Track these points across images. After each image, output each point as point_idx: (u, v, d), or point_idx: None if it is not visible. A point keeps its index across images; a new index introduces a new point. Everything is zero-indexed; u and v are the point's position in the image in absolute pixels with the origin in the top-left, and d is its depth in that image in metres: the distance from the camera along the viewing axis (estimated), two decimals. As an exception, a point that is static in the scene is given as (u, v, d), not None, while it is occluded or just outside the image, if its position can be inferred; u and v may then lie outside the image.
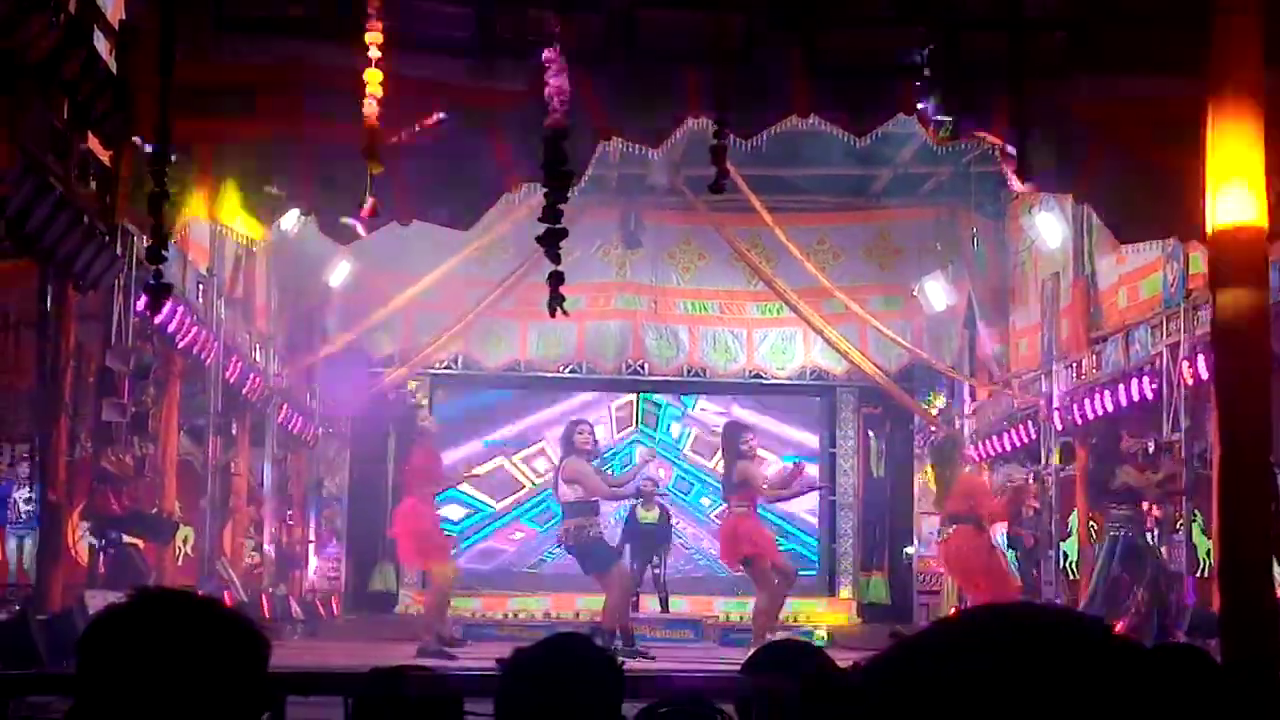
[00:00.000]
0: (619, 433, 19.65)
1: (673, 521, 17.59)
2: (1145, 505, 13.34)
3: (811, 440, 19.80)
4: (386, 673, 4.14)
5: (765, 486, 13.51)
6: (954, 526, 14.15)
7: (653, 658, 12.09)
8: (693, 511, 19.29)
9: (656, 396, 19.71)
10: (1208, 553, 12.82)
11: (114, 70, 8.26)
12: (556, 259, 6.30)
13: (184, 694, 1.88)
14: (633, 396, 19.64)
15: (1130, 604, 12.68)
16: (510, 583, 18.62)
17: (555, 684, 2.69)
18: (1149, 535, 13.30)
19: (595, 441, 13.38)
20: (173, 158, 6.61)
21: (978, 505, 14.10)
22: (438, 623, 13.06)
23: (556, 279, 6.31)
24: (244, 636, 1.97)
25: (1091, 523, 15.29)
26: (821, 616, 18.34)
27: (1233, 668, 5.39)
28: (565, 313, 6.55)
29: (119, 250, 9.37)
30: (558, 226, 6.25)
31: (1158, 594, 12.66)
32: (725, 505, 13.69)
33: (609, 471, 14.89)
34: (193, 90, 7.57)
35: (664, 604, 16.87)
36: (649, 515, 17.17)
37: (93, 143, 8.58)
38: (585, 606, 17.40)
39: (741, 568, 13.29)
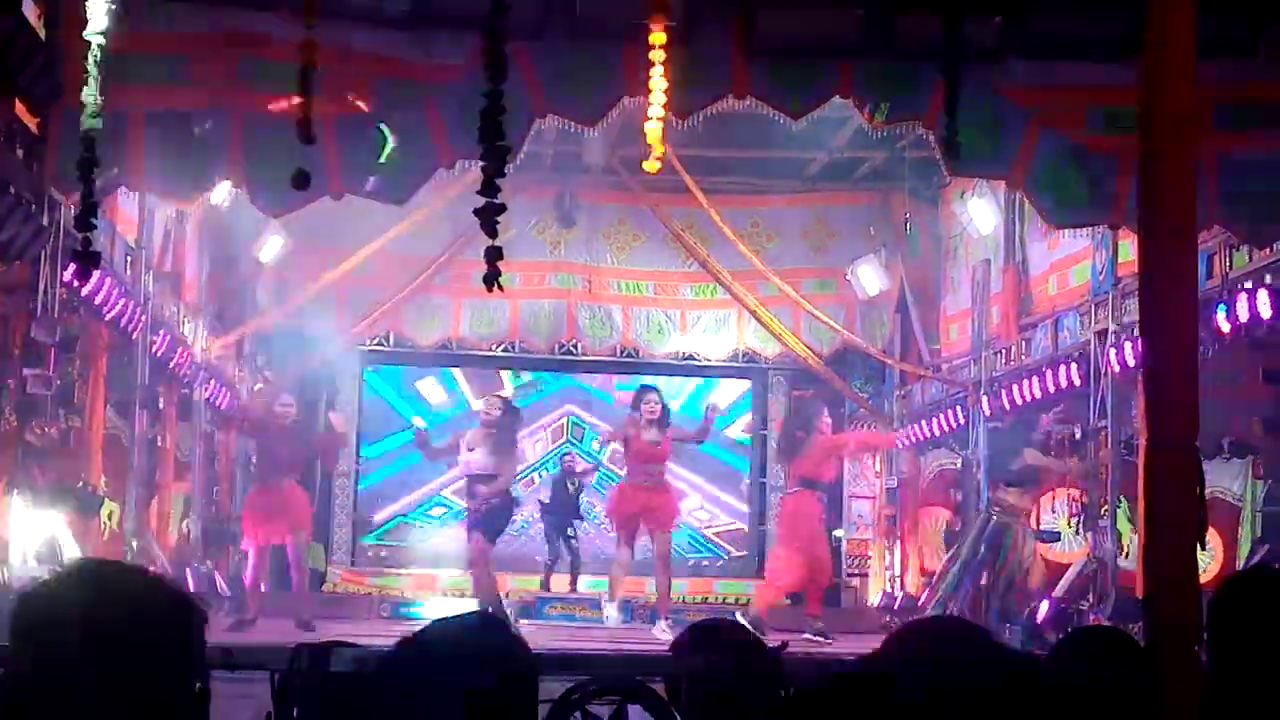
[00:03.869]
0: (553, 443, 19.65)
1: (583, 497, 17.87)
2: (1038, 495, 13.58)
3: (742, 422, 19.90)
4: (313, 649, 4.11)
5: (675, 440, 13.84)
6: (798, 489, 14.37)
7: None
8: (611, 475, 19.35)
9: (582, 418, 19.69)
10: (1132, 539, 12.99)
11: (42, 36, 8.13)
12: (494, 234, 6.25)
13: (117, 664, 1.85)
14: (563, 420, 19.65)
15: (972, 587, 13.02)
16: (439, 560, 18.56)
17: (450, 664, 2.64)
18: (1018, 529, 13.49)
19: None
20: (101, 124, 6.51)
21: (824, 462, 14.40)
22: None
23: (494, 254, 6.27)
24: (180, 606, 1.95)
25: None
26: (750, 597, 18.43)
27: (1155, 650, 5.44)
28: (501, 288, 6.51)
29: (45, 220, 9.24)
30: (495, 201, 6.21)
31: (1005, 594, 12.93)
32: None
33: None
34: (124, 57, 7.46)
35: (574, 581, 17.06)
36: (570, 488, 17.47)
37: (19, 109, 8.44)
38: (516, 586, 17.41)
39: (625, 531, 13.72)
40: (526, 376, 19.63)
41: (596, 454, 18.41)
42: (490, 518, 13.17)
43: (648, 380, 15.85)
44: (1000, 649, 2.65)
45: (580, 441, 19.38)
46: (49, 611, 1.90)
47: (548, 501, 18.01)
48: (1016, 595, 13.21)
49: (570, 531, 17.42)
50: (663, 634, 12.35)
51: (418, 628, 2.69)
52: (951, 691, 2.39)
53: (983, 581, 13.39)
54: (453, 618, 2.73)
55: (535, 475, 19.27)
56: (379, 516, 19.16)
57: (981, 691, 2.41)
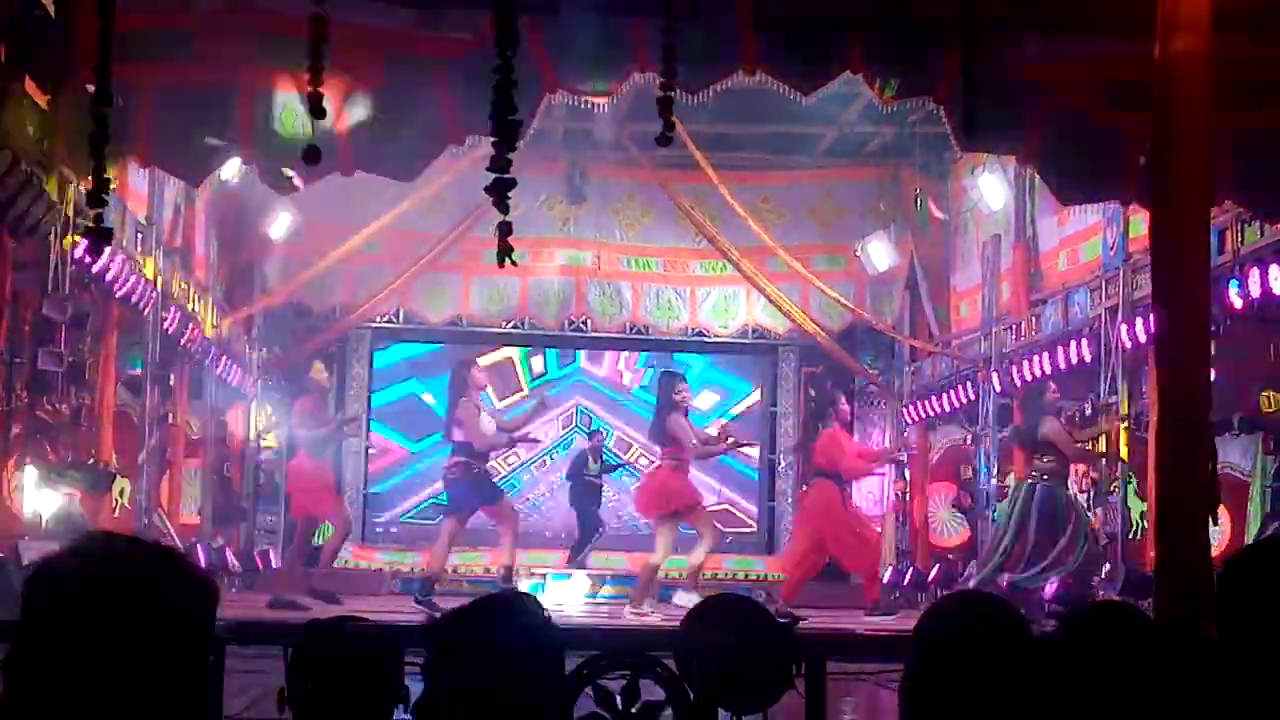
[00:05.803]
0: (562, 430, 19.67)
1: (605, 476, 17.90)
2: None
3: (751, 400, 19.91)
4: (326, 623, 4.12)
5: (694, 442, 13.35)
6: (815, 479, 14.21)
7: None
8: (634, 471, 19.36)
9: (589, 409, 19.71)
10: (1141, 515, 12.98)
11: (52, 13, 8.13)
12: (505, 209, 6.24)
13: (130, 639, 1.85)
14: (572, 409, 19.50)
15: (1053, 559, 12.62)
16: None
17: (481, 647, 2.65)
18: (1071, 489, 13.32)
19: (485, 382, 13.39)
20: (114, 102, 6.50)
21: (837, 462, 13.89)
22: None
23: (505, 229, 6.26)
24: (191, 582, 1.95)
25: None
26: (760, 573, 18.46)
27: (1167, 625, 5.45)
28: (514, 263, 6.49)
29: (56, 197, 9.24)
30: (506, 176, 6.20)
31: (1089, 550, 12.63)
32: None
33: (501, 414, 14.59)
34: (133, 34, 7.45)
35: (584, 559, 17.07)
36: (594, 468, 17.43)
37: (30, 86, 8.44)
38: (527, 562, 17.46)
39: (658, 521, 13.18)
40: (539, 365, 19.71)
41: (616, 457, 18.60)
42: (481, 480, 12.77)
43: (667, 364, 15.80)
44: (1024, 624, 2.67)
45: (587, 428, 19.36)
46: (59, 585, 1.90)
47: (571, 490, 17.99)
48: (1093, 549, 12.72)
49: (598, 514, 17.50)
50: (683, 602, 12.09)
51: (455, 605, 2.74)
52: (979, 668, 2.42)
53: (1056, 550, 12.74)
54: (488, 597, 2.75)
55: (547, 459, 19.31)
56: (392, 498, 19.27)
57: (1004, 668, 2.43)
